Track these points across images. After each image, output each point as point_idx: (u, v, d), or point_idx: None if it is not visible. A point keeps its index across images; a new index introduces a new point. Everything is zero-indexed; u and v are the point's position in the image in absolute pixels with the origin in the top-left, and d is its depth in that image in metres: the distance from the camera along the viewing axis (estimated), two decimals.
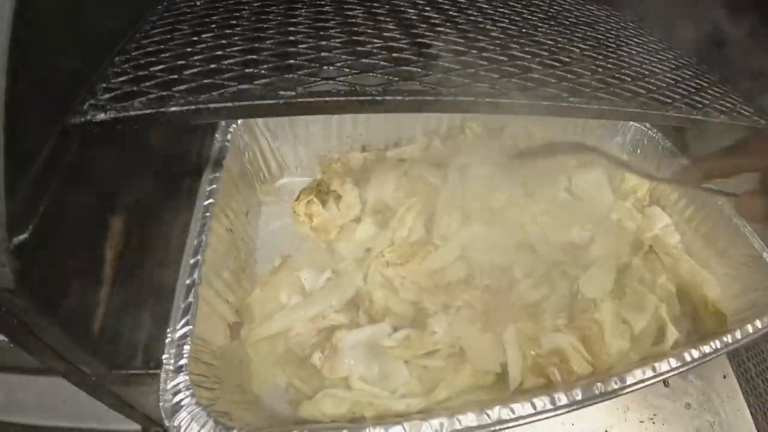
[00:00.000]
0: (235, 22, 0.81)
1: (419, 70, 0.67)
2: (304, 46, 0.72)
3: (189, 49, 0.73)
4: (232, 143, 0.76)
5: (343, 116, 0.85)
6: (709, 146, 0.95)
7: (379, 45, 0.72)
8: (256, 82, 0.64)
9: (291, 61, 0.69)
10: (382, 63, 0.67)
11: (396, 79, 0.64)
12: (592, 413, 0.80)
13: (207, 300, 0.61)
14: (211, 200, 0.67)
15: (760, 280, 0.79)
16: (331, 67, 0.66)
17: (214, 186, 0.68)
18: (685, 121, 0.85)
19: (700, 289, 0.76)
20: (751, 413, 0.87)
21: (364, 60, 0.68)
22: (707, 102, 0.90)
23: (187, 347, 0.56)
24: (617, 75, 0.86)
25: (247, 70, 0.67)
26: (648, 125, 0.99)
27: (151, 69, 0.69)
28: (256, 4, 0.89)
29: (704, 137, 0.93)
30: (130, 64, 0.71)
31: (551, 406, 0.52)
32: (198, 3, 0.90)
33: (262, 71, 0.66)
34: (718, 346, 0.63)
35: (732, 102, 0.93)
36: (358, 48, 0.71)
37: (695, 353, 0.60)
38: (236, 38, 0.76)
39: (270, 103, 0.62)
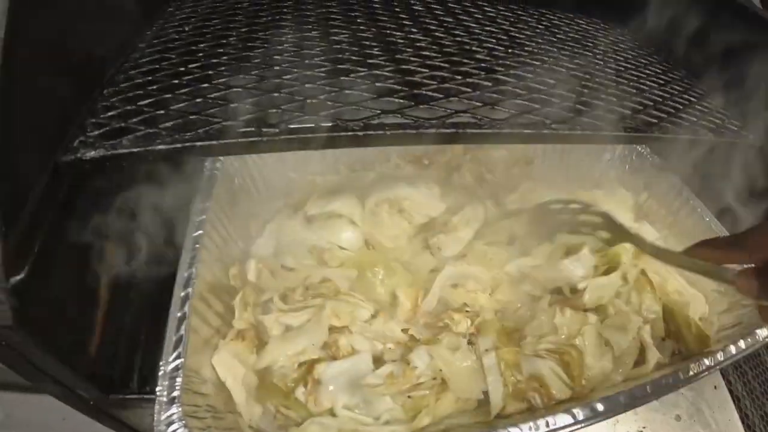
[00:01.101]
0: (221, 50, 0.82)
1: (402, 101, 0.68)
2: (289, 77, 0.73)
3: (176, 81, 0.74)
4: (222, 171, 0.77)
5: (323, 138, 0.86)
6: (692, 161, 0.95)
7: (362, 74, 0.73)
8: (240, 118, 0.65)
9: (275, 94, 0.70)
10: (364, 95, 0.68)
11: (378, 111, 0.65)
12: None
13: (198, 332, 0.63)
14: (200, 231, 0.68)
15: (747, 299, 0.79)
16: (314, 100, 0.67)
17: (203, 217, 0.69)
18: (671, 141, 0.86)
19: (685, 308, 0.77)
20: (743, 423, 0.88)
21: (347, 91, 0.69)
22: (694, 119, 0.91)
23: (179, 380, 0.59)
24: (604, 96, 0.86)
25: (231, 105, 0.68)
26: None
27: (139, 103, 0.70)
28: (243, 30, 0.89)
29: (690, 152, 0.93)
30: (118, 98, 0.73)
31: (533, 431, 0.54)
32: (186, 29, 0.91)
33: (247, 105, 0.67)
34: (701, 369, 0.64)
35: (720, 116, 0.94)
36: (342, 78, 0.72)
37: (676, 377, 0.62)
38: (222, 68, 0.77)
39: (252, 141, 0.63)
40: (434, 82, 0.73)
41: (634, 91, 0.91)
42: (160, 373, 0.59)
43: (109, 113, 0.68)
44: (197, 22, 0.92)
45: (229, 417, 0.64)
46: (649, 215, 0.96)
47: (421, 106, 0.66)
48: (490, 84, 0.77)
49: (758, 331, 0.75)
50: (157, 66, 0.78)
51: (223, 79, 0.72)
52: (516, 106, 0.72)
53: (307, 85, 0.70)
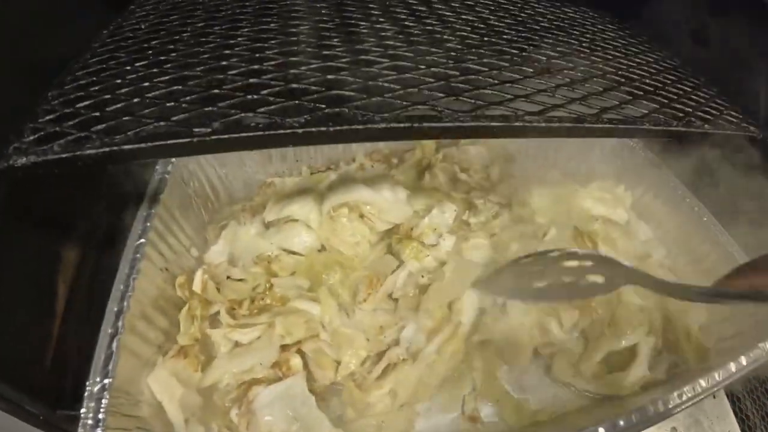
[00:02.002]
0: (172, 46, 0.76)
1: (353, 93, 0.60)
2: (235, 71, 0.66)
3: (119, 81, 0.68)
4: (173, 175, 0.72)
5: None
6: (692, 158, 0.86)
7: (315, 66, 0.65)
8: (174, 118, 0.59)
9: (216, 91, 0.63)
10: (313, 88, 0.60)
11: (323, 106, 0.57)
12: None
13: (134, 349, 0.59)
14: (142, 240, 0.62)
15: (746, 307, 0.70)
16: (256, 96, 0.60)
17: (148, 224, 0.63)
18: (661, 133, 0.76)
19: (684, 317, 0.68)
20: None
21: (294, 85, 0.62)
22: (689, 110, 0.81)
23: (104, 401, 0.54)
24: (587, 84, 0.77)
25: (168, 104, 0.62)
26: None
27: (77, 105, 0.64)
28: (199, 25, 0.83)
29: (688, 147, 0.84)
30: (60, 100, 0.67)
31: None
32: (143, 26, 0.85)
33: (183, 104, 0.61)
34: (696, 392, 0.58)
35: (718, 107, 0.84)
36: (292, 71, 0.65)
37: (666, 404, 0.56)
38: (168, 66, 0.71)
39: (182, 143, 0.56)
40: (393, 73, 0.65)
41: (622, 79, 0.82)
42: (86, 394, 0.55)
43: (48, 117, 0.62)
44: (155, 18, 0.87)
45: None
46: (643, 214, 0.87)
47: (374, 99, 0.59)
48: (457, 73, 0.69)
49: (761, 344, 0.66)
50: (104, 66, 0.72)
51: (167, 77, 0.66)
52: (484, 97, 0.64)
53: (251, 80, 0.63)
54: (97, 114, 0.59)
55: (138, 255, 0.63)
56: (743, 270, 0.47)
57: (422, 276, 0.66)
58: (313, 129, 0.56)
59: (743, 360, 0.64)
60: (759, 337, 0.67)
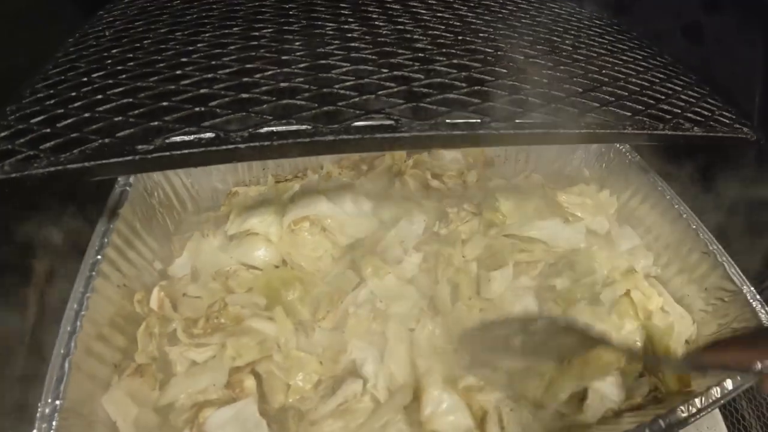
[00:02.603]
0: (131, 55, 0.73)
1: (304, 103, 0.57)
2: (187, 82, 0.63)
3: (73, 94, 0.66)
4: (136, 187, 0.70)
5: None
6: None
7: (270, 74, 0.62)
8: (119, 134, 0.56)
9: (165, 103, 0.60)
10: (264, 98, 0.57)
11: (270, 118, 0.53)
12: None
13: (86, 370, 0.58)
14: (98, 257, 0.60)
15: (738, 319, 0.68)
16: (203, 108, 0.57)
17: (105, 240, 0.61)
18: (645, 137, 0.71)
19: (667, 335, 0.64)
20: None
21: (244, 95, 0.58)
22: (678, 111, 0.75)
23: (55, 423, 0.53)
24: (567, 85, 0.72)
25: (116, 119, 0.59)
26: None
27: (31, 121, 0.62)
28: (162, 30, 0.79)
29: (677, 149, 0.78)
30: (16, 115, 0.65)
31: None
32: (107, 33, 0.82)
33: (131, 119, 0.58)
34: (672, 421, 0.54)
35: (710, 107, 0.78)
36: (245, 79, 0.62)
37: None
38: (124, 76, 0.67)
39: (125, 161, 0.53)
40: (352, 79, 0.61)
41: (606, 79, 0.76)
42: (38, 415, 0.54)
43: (2, 133, 0.60)
44: (121, 25, 0.83)
45: None
46: (630, 219, 0.81)
47: (326, 108, 0.55)
48: (422, 76, 0.65)
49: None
50: (63, 77, 0.70)
51: (120, 89, 0.63)
52: (449, 102, 0.59)
53: (202, 91, 0.60)
54: (48, 130, 0.57)
55: (93, 273, 0.61)
56: (717, 345, 0.49)
57: (380, 301, 0.62)
58: (257, 144, 0.53)
59: (729, 384, 0.60)
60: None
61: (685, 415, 0.56)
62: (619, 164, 0.83)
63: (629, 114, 0.68)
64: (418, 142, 0.57)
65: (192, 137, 0.53)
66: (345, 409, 0.56)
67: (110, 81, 0.64)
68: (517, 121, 0.61)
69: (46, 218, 0.70)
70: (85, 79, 0.65)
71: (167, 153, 0.52)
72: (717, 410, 0.79)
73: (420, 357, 0.60)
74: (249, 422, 0.54)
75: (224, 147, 0.52)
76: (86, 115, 0.58)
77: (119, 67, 0.67)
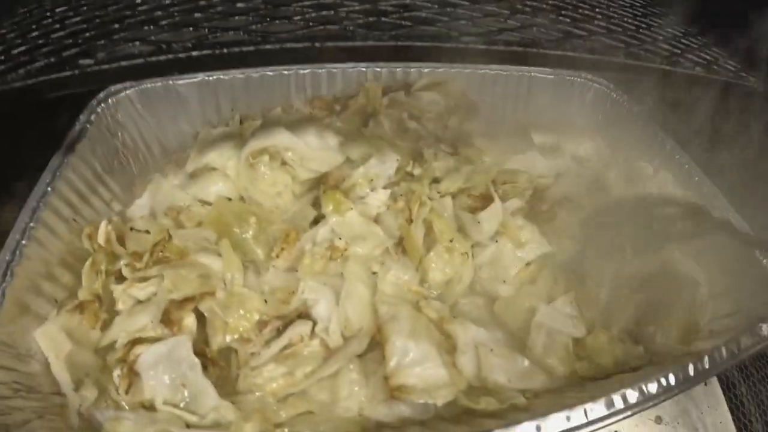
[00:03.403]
0: None
1: (254, 16, 0.52)
2: (143, 8, 0.58)
3: (33, 26, 0.61)
4: (97, 124, 0.67)
5: (222, 84, 0.73)
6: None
7: None
8: (65, 54, 0.52)
9: (115, 25, 0.56)
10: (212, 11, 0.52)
11: (217, 32, 0.49)
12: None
13: (24, 302, 0.53)
14: (48, 189, 0.56)
15: (749, 281, 0.58)
16: (152, 26, 0.52)
17: (58, 173, 0.57)
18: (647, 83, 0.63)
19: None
20: (738, 419, 0.67)
21: (198, 14, 0.54)
22: (678, 51, 0.67)
23: None
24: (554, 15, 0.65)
25: (66, 42, 0.55)
26: (612, 86, 0.76)
27: None
28: None
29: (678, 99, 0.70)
30: None
31: None
32: None
33: (79, 41, 0.54)
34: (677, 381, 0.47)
35: (713, 54, 0.69)
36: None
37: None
38: (84, 8, 0.63)
39: (66, 76, 0.50)
40: None
41: (599, 17, 0.69)
42: None
43: None
44: None
45: (56, 399, 0.51)
46: (631, 175, 0.73)
47: (278, 21, 0.50)
48: None
49: (764, 326, 0.52)
50: (28, 14, 0.65)
51: (77, 18, 0.59)
52: (416, 18, 0.53)
53: (154, 14, 0.55)
54: (2, 57, 0.54)
55: (40, 204, 0.57)
56: None
57: (339, 238, 0.56)
58: (199, 53, 0.48)
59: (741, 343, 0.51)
60: (758, 316, 0.54)
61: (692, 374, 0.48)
62: (616, 114, 0.75)
63: (622, 46, 0.62)
64: (376, 51, 0.51)
65: (135, 50, 0.49)
66: (290, 353, 0.50)
67: (70, 13, 0.60)
68: (493, 38, 0.54)
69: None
70: (48, 13, 0.62)
71: (107, 66, 0.48)
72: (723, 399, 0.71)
73: (383, 304, 0.54)
74: (183, 363, 0.48)
75: (164, 58, 0.48)
76: (40, 41, 0.55)
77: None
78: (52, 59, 0.51)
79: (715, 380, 0.69)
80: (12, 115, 0.59)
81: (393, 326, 0.52)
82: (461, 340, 0.52)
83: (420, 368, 0.50)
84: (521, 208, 0.60)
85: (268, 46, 0.58)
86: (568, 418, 0.44)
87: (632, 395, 0.46)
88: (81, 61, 0.51)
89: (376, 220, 0.60)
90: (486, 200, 0.60)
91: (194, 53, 0.54)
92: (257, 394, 0.48)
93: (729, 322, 0.58)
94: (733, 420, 0.67)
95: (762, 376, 0.70)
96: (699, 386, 0.69)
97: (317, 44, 0.56)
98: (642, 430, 0.65)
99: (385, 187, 0.59)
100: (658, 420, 0.67)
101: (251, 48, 0.54)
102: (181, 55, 0.55)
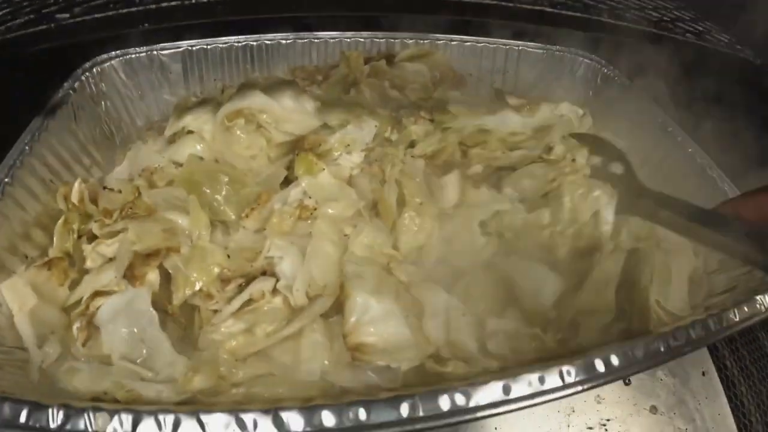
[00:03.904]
0: None
1: None
2: None
3: None
4: (81, 92, 0.67)
5: (205, 54, 0.73)
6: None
7: None
8: (44, 10, 0.52)
9: None
10: None
11: None
12: (524, 417, 0.59)
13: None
14: (26, 148, 0.57)
15: None
16: None
17: (37, 135, 0.58)
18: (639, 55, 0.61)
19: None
20: (738, 416, 0.63)
21: None
22: (669, 18, 0.65)
23: None
24: None
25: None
26: (603, 61, 0.73)
27: None
28: None
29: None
30: None
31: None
32: None
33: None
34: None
35: (706, 27, 0.66)
36: None
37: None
38: None
39: (42, 29, 0.50)
40: None
41: None
42: None
43: None
44: None
45: (18, 353, 0.50)
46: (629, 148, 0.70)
47: None
48: None
49: (758, 298, 0.49)
50: None
51: None
52: None
53: None
54: None
55: (17, 162, 0.56)
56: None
57: (309, 197, 0.54)
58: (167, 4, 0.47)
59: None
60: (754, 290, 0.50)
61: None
62: (607, 89, 0.72)
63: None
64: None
65: (109, 2, 0.48)
66: (252, 309, 0.48)
67: None
68: None
69: None
70: None
71: (81, 18, 0.48)
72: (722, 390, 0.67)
73: (350, 263, 0.51)
74: (143, 317, 0.47)
75: (133, 9, 0.48)
76: (25, 3, 0.55)
77: None
78: (32, 16, 0.51)
79: (713, 371, 0.65)
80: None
81: (356, 282, 0.49)
82: (431, 304, 0.49)
83: (382, 326, 0.47)
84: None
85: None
86: (541, 380, 0.41)
87: (615, 360, 0.43)
88: (58, 16, 0.51)
89: (350, 182, 0.58)
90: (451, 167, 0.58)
91: (164, 4, 0.55)
92: (233, 342, 0.46)
93: (724, 299, 0.54)
94: (733, 416, 0.63)
95: (762, 376, 0.66)
96: (697, 376, 0.65)
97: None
98: (637, 419, 0.61)
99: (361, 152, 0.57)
100: (653, 410, 0.63)
101: None
102: (151, 6, 0.55)
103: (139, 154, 0.63)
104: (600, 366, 0.42)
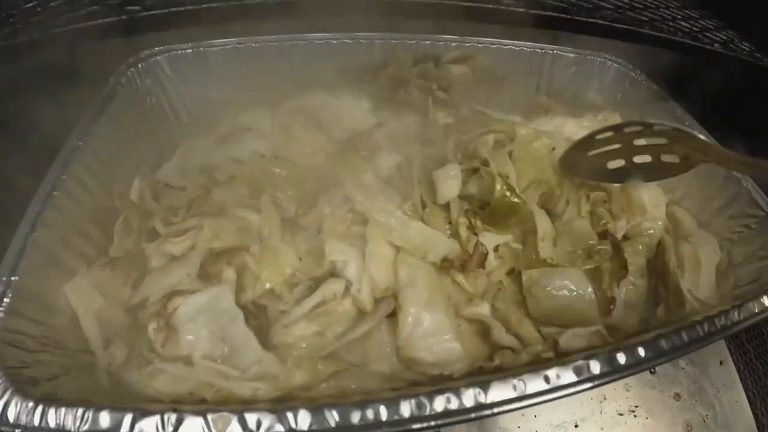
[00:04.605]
0: None
1: None
2: None
3: None
4: (127, 87, 0.66)
5: (253, 51, 0.71)
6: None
7: None
8: (107, 2, 0.51)
9: None
10: None
11: None
12: (561, 405, 0.62)
13: (50, 251, 0.50)
14: (80, 144, 0.55)
15: (766, 247, 0.58)
16: None
17: (90, 130, 0.56)
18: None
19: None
20: (751, 405, 0.67)
21: None
22: (697, 29, 0.67)
23: (6, 300, 0.45)
24: None
25: None
26: (631, 66, 0.76)
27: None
28: None
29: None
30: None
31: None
32: None
33: None
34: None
35: (728, 36, 0.70)
36: None
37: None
38: None
39: (113, 21, 0.48)
40: None
41: None
42: None
43: None
44: None
45: (83, 357, 0.48)
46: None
47: None
48: None
49: None
50: None
51: None
52: None
53: None
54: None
55: (72, 158, 0.54)
56: None
57: (360, 199, 0.51)
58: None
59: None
60: None
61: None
62: (635, 93, 0.75)
63: (645, 19, 0.62)
64: None
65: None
66: (323, 312, 0.47)
67: None
68: None
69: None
70: None
71: (154, 12, 0.47)
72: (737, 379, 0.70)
73: (404, 265, 0.51)
74: (224, 315, 0.45)
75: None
76: None
77: None
78: (95, 7, 0.48)
79: (729, 359, 0.69)
80: (54, 63, 0.57)
81: (408, 293, 0.49)
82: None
83: (433, 341, 0.47)
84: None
85: None
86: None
87: (642, 351, 0.44)
88: (128, 7, 0.49)
89: (388, 180, 0.56)
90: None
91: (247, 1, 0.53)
92: (302, 345, 0.46)
93: (750, 290, 0.57)
94: (749, 404, 0.66)
95: (767, 370, 0.68)
96: (715, 365, 0.69)
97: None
98: (662, 406, 0.65)
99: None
100: (677, 397, 0.66)
101: None
102: (233, 2, 0.54)
103: (190, 150, 0.62)
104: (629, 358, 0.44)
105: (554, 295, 0.51)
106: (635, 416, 0.64)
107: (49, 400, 0.39)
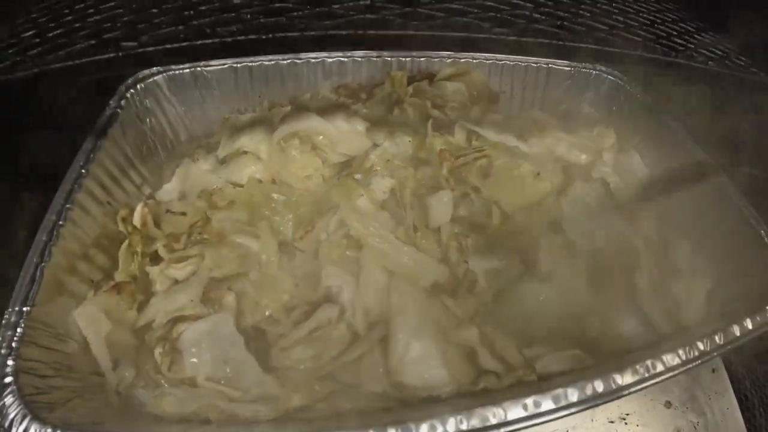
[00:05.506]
0: None
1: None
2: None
3: (66, 11, 0.59)
4: (127, 110, 0.66)
5: (250, 71, 0.72)
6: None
7: None
8: (104, 36, 0.52)
9: (153, 9, 0.54)
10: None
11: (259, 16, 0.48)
12: None
13: (62, 282, 0.53)
14: (83, 171, 0.55)
15: (757, 265, 0.58)
16: (190, 11, 0.52)
17: (92, 156, 0.57)
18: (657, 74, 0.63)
19: None
20: (743, 412, 0.67)
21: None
22: (692, 45, 0.67)
23: (20, 330, 0.47)
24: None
25: (104, 25, 0.54)
26: (626, 78, 0.76)
27: (22, 36, 0.57)
28: None
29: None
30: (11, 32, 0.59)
31: None
32: None
33: (118, 24, 0.53)
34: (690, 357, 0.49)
35: (724, 49, 0.69)
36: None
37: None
38: None
39: (108, 58, 0.49)
40: None
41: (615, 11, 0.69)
42: (3, 322, 0.48)
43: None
44: None
45: (94, 379, 0.50)
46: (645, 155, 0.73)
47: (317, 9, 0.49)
48: None
49: None
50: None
51: (111, 3, 0.58)
52: None
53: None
54: (37, 41, 0.52)
55: (75, 186, 0.56)
56: None
57: (356, 223, 0.53)
58: (244, 38, 0.47)
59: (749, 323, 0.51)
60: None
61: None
62: (629, 106, 0.75)
63: (639, 39, 0.61)
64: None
65: (180, 35, 0.48)
66: (319, 336, 0.49)
67: None
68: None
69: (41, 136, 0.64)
70: None
71: (151, 48, 0.47)
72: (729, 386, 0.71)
73: (396, 292, 0.52)
74: (226, 339, 0.48)
75: (209, 40, 0.47)
76: (76, 25, 0.53)
77: None
78: (93, 41, 0.49)
79: (722, 367, 0.69)
80: (52, 96, 0.57)
81: (399, 320, 0.50)
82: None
83: (421, 368, 0.49)
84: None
85: (311, 33, 0.57)
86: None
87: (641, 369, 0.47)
88: (123, 44, 0.49)
89: (382, 204, 0.58)
90: None
91: (240, 38, 0.53)
92: (300, 367, 0.47)
93: (738, 306, 0.58)
94: (741, 409, 0.67)
95: (765, 371, 0.70)
96: (707, 373, 0.69)
97: (359, 31, 0.56)
98: (653, 414, 0.65)
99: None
100: (668, 404, 0.67)
101: (295, 34, 0.53)
102: (227, 40, 0.54)
103: (189, 172, 0.63)
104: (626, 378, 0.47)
105: None
106: (626, 424, 0.65)
107: (66, 425, 0.41)
